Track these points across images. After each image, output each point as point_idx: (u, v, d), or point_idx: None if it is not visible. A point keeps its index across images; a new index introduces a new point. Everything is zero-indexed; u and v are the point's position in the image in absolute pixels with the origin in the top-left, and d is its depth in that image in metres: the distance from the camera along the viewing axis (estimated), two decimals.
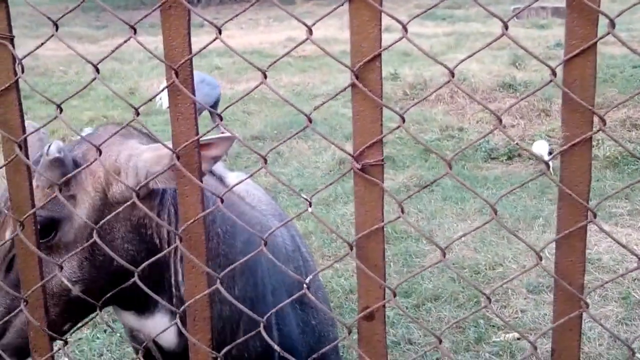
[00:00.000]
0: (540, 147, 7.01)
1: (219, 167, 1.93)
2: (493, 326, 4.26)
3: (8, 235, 1.56)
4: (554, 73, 0.98)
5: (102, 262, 1.61)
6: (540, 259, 1.12)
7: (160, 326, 1.70)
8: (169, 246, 1.68)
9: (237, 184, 1.40)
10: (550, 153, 6.86)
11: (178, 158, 1.24)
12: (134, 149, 1.64)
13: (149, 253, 1.62)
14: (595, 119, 1.01)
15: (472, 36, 16.51)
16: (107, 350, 4.14)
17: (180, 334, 1.71)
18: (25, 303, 1.48)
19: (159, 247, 1.67)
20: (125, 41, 1.19)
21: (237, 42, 16.61)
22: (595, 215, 1.06)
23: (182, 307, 1.34)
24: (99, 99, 11.20)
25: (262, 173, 7.18)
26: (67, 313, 1.64)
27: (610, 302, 4.46)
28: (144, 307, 1.73)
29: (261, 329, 1.25)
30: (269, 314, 1.27)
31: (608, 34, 0.96)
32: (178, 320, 1.34)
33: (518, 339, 4.09)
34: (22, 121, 1.44)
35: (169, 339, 1.74)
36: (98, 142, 1.34)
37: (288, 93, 11.28)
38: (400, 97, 10.26)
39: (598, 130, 1.00)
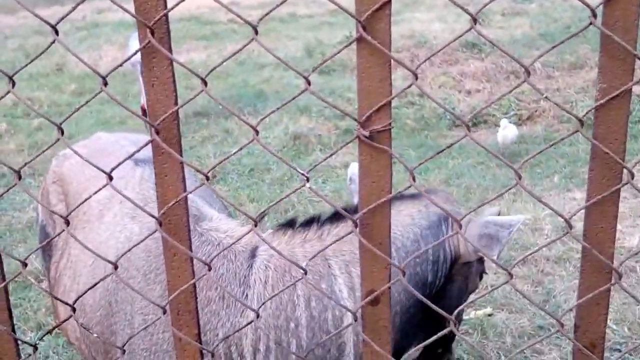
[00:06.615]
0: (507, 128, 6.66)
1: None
2: None
3: None
4: (594, 14, 0.93)
5: None
6: (570, 227, 1.09)
7: None
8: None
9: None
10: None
11: (157, 132, 1.15)
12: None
13: None
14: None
15: None
16: (54, 353, 4.01)
17: None
18: None
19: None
20: None
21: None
22: (633, 176, 1.03)
23: None
24: (22, 79, 10.71)
25: (210, 154, 7.06)
26: None
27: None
28: None
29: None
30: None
31: None
32: None
33: (489, 315, 4.11)
34: None
35: None
36: None
37: (231, 63, 10.86)
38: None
39: None
